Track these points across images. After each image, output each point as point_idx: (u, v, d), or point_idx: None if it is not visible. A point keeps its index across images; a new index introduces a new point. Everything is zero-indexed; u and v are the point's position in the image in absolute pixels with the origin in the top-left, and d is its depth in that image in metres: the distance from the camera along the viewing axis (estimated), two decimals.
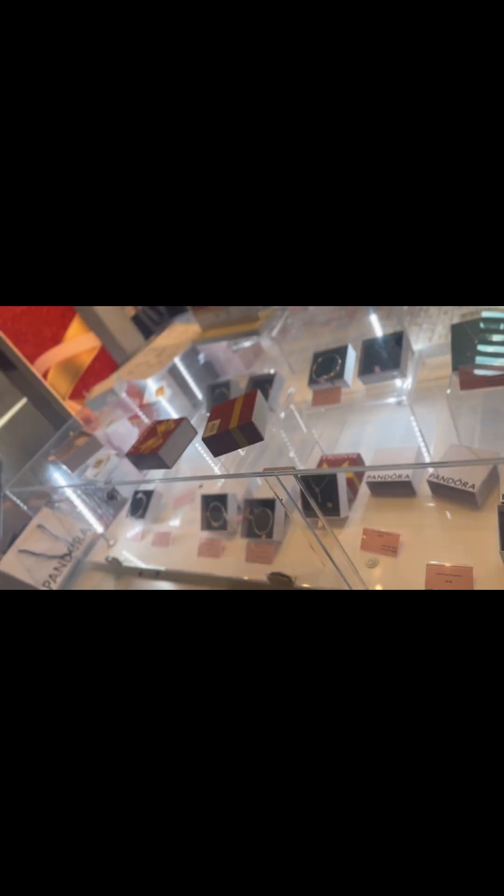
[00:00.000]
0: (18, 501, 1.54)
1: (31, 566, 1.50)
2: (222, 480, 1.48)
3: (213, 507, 1.39)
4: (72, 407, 2.31)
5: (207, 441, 0.92)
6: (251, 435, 0.89)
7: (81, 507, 1.58)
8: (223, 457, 1.55)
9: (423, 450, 1.15)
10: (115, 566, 1.53)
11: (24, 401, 3.25)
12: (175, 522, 1.55)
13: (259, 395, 0.95)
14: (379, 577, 0.99)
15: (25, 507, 1.56)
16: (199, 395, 1.73)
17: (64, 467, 1.33)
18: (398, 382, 1.19)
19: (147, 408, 1.74)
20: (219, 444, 0.92)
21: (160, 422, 1.12)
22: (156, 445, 1.03)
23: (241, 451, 1.48)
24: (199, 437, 1.11)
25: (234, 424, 0.89)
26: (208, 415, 1.00)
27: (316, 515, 1.19)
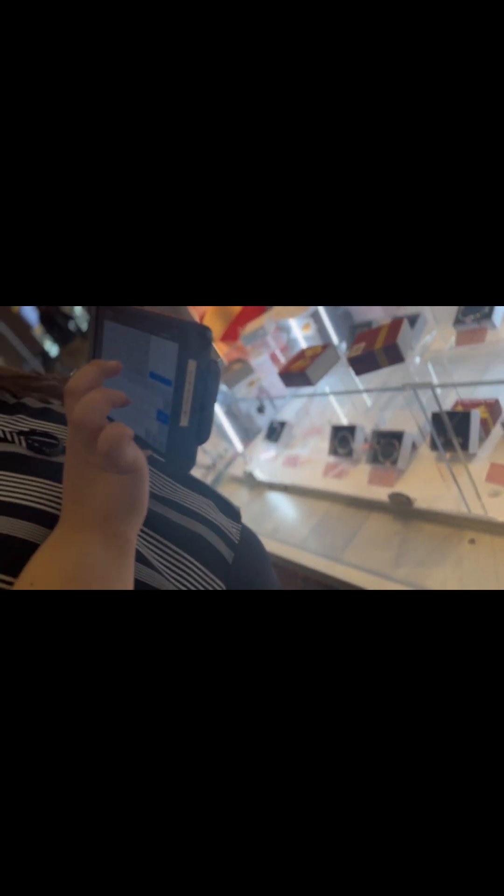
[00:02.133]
0: None
1: None
2: (348, 416, 1.60)
3: (342, 437, 1.53)
4: (220, 348, 2.62)
5: (352, 360, 1.05)
6: (394, 356, 0.99)
7: (229, 429, 1.85)
8: (349, 405, 1.66)
9: None
10: (249, 479, 1.79)
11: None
12: (304, 451, 1.73)
13: (405, 322, 1.04)
14: (499, 505, 1.03)
15: None
16: (335, 339, 1.84)
17: (224, 386, 1.59)
18: None
19: (286, 349, 1.92)
20: (362, 364, 1.04)
21: (309, 347, 1.28)
22: (304, 366, 1.19)
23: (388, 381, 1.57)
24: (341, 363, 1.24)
25: (378, 346, 1.00)
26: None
27: (446, 449, 1.25)
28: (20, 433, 0.44)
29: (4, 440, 0.43)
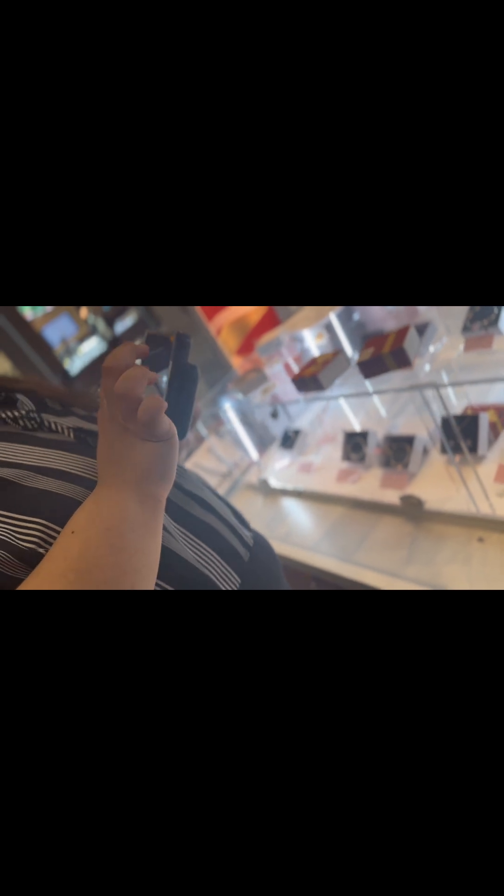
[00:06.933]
0: (200, 424, 1.94)
1: (201, 476, 1.90)
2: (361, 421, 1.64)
3: (355, 443, 1.57)
4: (235, 361, 2.69)
5: (361, 365, 1.10)
6: (401, 359, 1.04)
7: (244, 437, 1.91)
8: (362, 414, 1.70)
9: None
10: (264, 486, 1.83)
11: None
12: (318, 458, 1.77)
13: (412, 328, 1.09)
14: None
15: (204, 431, 1.95)
16: (348, 349, 1.89)
17: (239, 394, 1.65)
18: None
19: (298, 359, 1.98)
20: (370, 368, 1.09)
21: (321, 355, 1.33)
22: (315, 371, 1.24)
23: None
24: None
25: (386, 350, 1.05)
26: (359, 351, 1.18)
27: (455, 452, 1.28)
28: (69, 428, 0.53)
29: (58, 433, 0.52)
